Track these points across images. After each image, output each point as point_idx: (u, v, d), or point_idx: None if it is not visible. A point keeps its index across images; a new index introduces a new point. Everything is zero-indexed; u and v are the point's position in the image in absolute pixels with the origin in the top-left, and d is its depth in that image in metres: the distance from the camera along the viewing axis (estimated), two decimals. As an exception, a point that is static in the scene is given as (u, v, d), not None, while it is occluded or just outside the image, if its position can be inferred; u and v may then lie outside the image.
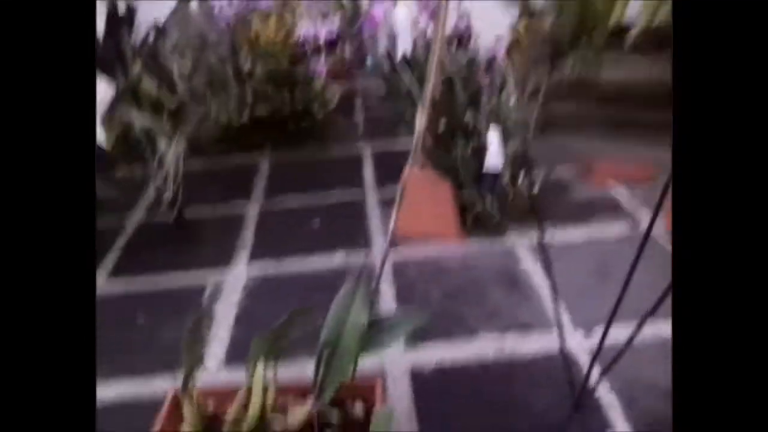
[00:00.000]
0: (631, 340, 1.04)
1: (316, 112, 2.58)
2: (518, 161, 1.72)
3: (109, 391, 1.35)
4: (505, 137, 1.66)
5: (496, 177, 1.68)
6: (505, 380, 1.32)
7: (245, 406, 1.09)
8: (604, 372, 1.21)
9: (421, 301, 1.58)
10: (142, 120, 1.83)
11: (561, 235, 1.80)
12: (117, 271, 1.84)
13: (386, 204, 2.06)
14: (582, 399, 1.22)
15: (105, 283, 1.78)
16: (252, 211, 2.14)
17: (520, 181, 1.75)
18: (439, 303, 1.57)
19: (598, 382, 1.24)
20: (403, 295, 1.61)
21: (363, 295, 0.93)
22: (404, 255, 1.78)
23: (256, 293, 1.68)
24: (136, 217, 2.14)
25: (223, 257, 1.86)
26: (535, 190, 1.76)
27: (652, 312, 0.96)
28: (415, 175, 1.79)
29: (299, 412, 1.06)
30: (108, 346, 1.46)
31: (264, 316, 1.51)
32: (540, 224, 1.77)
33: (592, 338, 1.40)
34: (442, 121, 1.72)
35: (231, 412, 1.10)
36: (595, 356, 1.15)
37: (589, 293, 1.54)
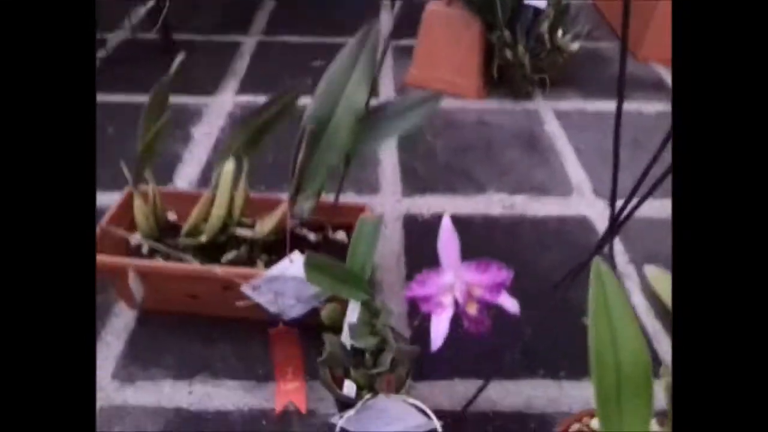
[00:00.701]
0: (635, 208, 0.86)
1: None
2: (560, 8, 1.46)
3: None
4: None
5: (537, 14, 1.43)
6: (510, 236, 1.16)
7: (208, 211, 0.93)
8: (610, 236, 1.05)
9: (425, 153, 1.39)
10: None
11: (595, 105, 1.59)
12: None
13: (401, 51, 1.81)
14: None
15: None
16: (249, 42, 1.90)
17: (560, 34, 1.50)
18: (444, 156, 1.38)
19: (611, 247, 1.08)
20: (402, 145, 1.41)
21: (365, 67, 0.73)
22: (414, 104, 1.57)
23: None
24: (120, 34, 1.90)
25: (210, 84, 1.65)
26: (576, 46, 1.52)
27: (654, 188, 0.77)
28: (439, 12, 1.54)
29: (269, 219, 0.90)
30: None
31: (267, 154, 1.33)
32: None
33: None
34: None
35: (191, 216, 0.94)
36: (614, 223, 0.97)
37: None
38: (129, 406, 0.85)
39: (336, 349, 0.65)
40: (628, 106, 1.57)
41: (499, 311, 0.52)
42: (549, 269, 1.09)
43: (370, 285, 0.73)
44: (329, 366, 0.72)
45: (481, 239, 1.14)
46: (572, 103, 1.58)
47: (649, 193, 0.66)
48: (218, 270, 0.85)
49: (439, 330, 0.48)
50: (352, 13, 2.12)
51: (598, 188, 1.29)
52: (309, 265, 0.70)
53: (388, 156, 1.37)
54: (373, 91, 0.76)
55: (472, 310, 0.49)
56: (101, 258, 0.87)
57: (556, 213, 1.22)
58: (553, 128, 1.48)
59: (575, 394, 0.88)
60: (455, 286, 0.48)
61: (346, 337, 0.73)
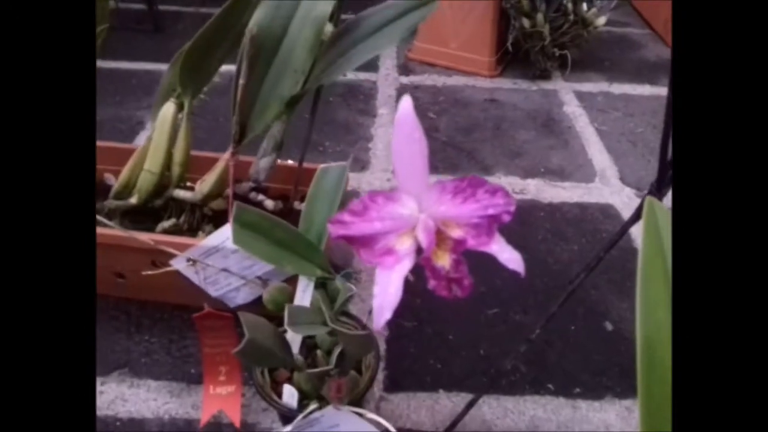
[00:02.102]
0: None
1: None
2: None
3: None
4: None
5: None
6: (520, 224, 0.96)
7: (141, 165, 0.75)
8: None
9: (425, 131, 1.20)
10: None
11: (621, 88, 1.39)
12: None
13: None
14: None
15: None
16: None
17: (584, 7, 1.31)
18: (446, 134, 1.20)
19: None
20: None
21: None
22: (414, 80, 1.39)
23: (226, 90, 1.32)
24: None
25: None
26: (602, 21, 1.33)
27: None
28: (449, -23, 1.36)
29: (210, 176, 0.71)
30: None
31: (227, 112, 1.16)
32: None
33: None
34: None
35: (123, 172, 0.76)
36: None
37: (647, 151, 1.15)
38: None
39: (261, 337, 0.45)
40: (659, 90, 1.38)
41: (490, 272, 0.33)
42: (566, 263, 0.89)
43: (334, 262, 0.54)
44: (256, 363, 0.53)
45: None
46: (596, 86, 1.39)
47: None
48: (142, 237, 0.66)
49: (387, 295, 0.29)
50: None
51: (626, 174, 1.09)
52: (239, 223, 0.51)
53: (381, 131, 1.18)
54: (342, 2, 0.57)
55: (444, 261, 0.29)
56: None
57: (576, 199, 1.02)
58: (573, 109, 1.29)
59: (594, 418, 0.68)
60: (418, 219, 0.29)
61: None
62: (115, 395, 0.68)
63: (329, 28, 0.60)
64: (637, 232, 0.96)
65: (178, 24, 1.65)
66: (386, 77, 1.39)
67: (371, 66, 1.43)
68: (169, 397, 0.68)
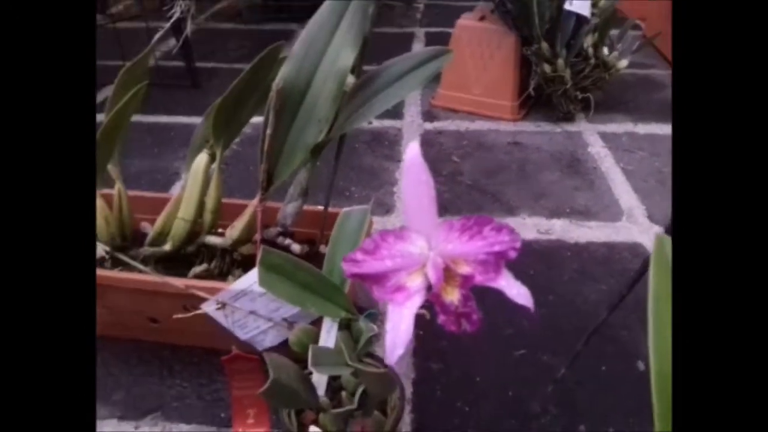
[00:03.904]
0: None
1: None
2: (606, 16, 1.30)
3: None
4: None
5: (579, 24, 1.27)
6: (546, 264, 0.96)
7: (176, 213, 0.78)
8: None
9: (450, 174, 1.22)
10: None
11: (646, 128, 1.39)
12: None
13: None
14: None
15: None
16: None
17: (605, 51, 1.34)
18: (471, 178, 1.21)
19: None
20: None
21: (354, 23, 0.58)
22: (438, 126, 1.42)
23: (256, 140, 1.37)
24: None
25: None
26: (624, 64, 1.35)
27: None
28: (470, 27, 1.41)
29: (239, 222, 0.74)
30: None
31: (257, 161, 1.21)
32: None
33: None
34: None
35: (158, 220, 0.80)
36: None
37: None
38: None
39: (286, 377, 0.47)
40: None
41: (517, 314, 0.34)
42: (595, 303, 0.88)
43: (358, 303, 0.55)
44: (281, 404, 0.54)
45: (510, 265, 0.95)
46: (620, 126, 1.40)
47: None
48: (174, 281, 0.69)
49: (399, 331, 0.30)
50: (386, 44, 2.03)
51: (654, 213, 1.08)
52: (264, 266, 0.53)
53: (406, 176, 1.21)
54: (364, 52, 0.61)
55: (453, 296, 0.30)
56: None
57: (604, 239, 1.01)
58: (597, 150, 1.29)
59: (630, 464, 0.66)
60: (428, 257, 0.30)
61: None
62: (147, 439, 0.69)
63: (351, 79, 0.63)
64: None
65: (213, 79, 1.74)
66: (411, 124, 1.43)
67: (396, 113, 1.48)
68: (199, 440, 0.69)
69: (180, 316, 0.65)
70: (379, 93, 0.61)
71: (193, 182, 0.76)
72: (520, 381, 0.76)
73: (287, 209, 0.75)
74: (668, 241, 0.32)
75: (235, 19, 2.29)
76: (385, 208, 1.11)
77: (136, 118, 1.49)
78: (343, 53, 0.58)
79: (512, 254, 0.30)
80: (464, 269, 0.30)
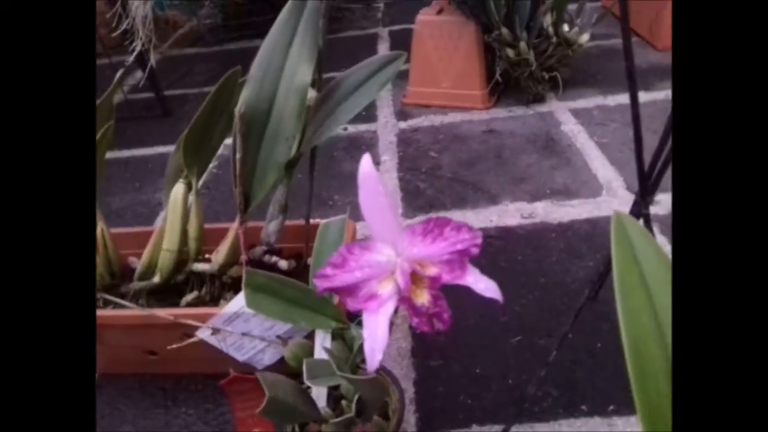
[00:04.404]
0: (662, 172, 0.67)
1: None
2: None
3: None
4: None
5: (535, 5, 1.28)
6: (533, 247, 0.97)
7: (160, 246, 0.78)
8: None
9: (430, 170, 1.23)
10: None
11: (616, 99, 1.41)
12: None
13: (398, 74, 1.69)
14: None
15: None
16: (243, 87, 1.83)
17: (566, 28, 1.35)
18: (450, 170, 1.22)
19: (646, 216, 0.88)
20: (406, 165, 1.26)
21: (307, 37, 0.59)
22: (412, 124, 1.43)
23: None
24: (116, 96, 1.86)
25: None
26: (585, 38, 1.36)
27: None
28: (430, 22, 1.42)
29: (223, 246, 0.75)
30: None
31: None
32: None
33: (657, 205, 1.03)
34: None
35: (144, 254, 0.80)
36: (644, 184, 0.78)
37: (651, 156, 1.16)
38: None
39: (283, 394, 0.47)
40: (655, 95, 1.39)
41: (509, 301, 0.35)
42: (583, 281, 0.89)
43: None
44: (282, 419, 0.54)
45: (498, 252, 0.96)
46: (591, 101, 1.41)
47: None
48: (160, 313, 0.69)
49: (376, 337, 0.31)
50: (352, 47, 2.03)
51: (632, 183, 1.09)
52: (250, 287, 0.54)
53: (386, 177, 1.22)
54: (321, 65, 0.62)
55: (423, 298, 0.31)
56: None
57: (586, 216, 1.03)
58: (571, 127, 1.31)
59: (634, 433, 0.67)
60: (396, 264, 0.31)
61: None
62: (159, 471, 0.70)
63: (312, 93, 0.64)
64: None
65: (185, 106, 1.74)
66: (385, 125, 1.44)
67: (370, 117, 1.48)
68: (210, 466, 0.69)
69: (174, 346, 0.65)
70: (342, 103, 0.62)
71: (173, 213, 0.76)
72: (519, 367, 0.77)
73: (269, 227, 0.76)
74: (627, 216, 0.33)
75: (198, 43, 2.28)
76: (369, 212, 1.12)
77: (111, 154, 1.49)
78: (300, 70, 0.59)
79: (474, 251, 0.31)
80: (431, 271, 0.31)
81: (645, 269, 0.31)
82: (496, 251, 0.97)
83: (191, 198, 0.77)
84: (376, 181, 0.31)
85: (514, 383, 0.74)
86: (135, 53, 1.44)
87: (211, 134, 0.69)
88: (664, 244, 0.94)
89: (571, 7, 1.39)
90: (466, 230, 0.31)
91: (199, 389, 0.79)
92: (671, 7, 1.55)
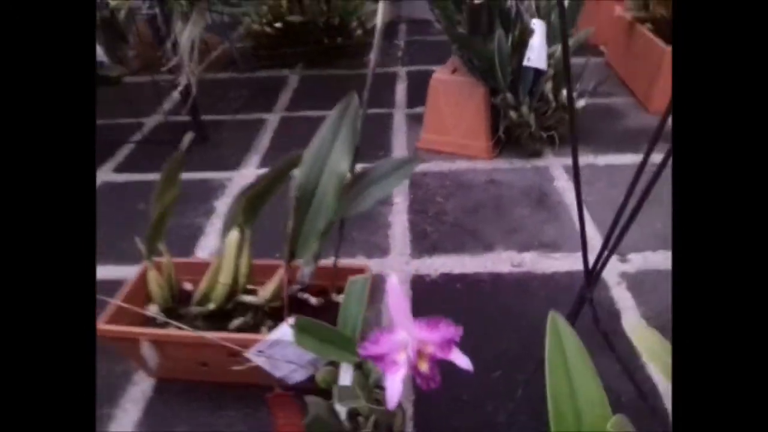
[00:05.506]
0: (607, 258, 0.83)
1: (354, 28, 2.41)
2: (561, 66, 1.49)
3: (105, 273, 1.27)
4: (550, 36, 1.45)
5: (538, 75, 1.47)
6: (518, 294, 1.16)
7: (216, 279, 0.98)
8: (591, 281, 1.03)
9: (435, 215, 1.42)
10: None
11: (606, 159, 1.60)
12: (127, 165, 1.76)
13: (414, 118, 1.89)
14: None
15: (111, 176, 1.71)
16: (272, 119, 2.02)
17: (564, 92, 1.54)
18: (454, 216, 1.41)
19: (591, 300, 1.06)
20: (415, 208, 1.45)
21: (347, 136, 0.78)
22: (423, 168, 1.62)
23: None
24: (156, 118, 2.06)
25: (234, 159, 1.75)
26: (582, 103, 1.55)
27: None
28: (444, 80, 1.62)
29: (269, 285, 0.94)
30: (108, 230, 1.38)
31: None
32: (575, 140, 1.56)
33: (627, 263, 1.22)
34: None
35: (201, 284, 0.99)
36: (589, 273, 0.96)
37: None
38: (137, 474, 0.87)
39: (322, 412, 0.66)
40: (638, 158, 1.57)
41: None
42: (557, 326, 1.07)
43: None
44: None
45: (488, 297, 1.15)
46: (582, 159, 1.60)
47: (617, 243, 0.67)
48: (218, 337, 0.88)
49: (394, 388, 0.50)
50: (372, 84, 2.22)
51: (609, 241, 1.27)
52: (297, 328, 0.72)
53: (398, 219, 1.41)
54: (356, 157, 0.81)
55: (424, 367, 0.50)
56: (116, 328, 0.92)
57: (566, 269, 1.21)
58: (562, 183, 1.49)
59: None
60: (408, 343, 0.50)
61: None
62: (208, 461, 0.88)
63: (347, 175, 0.83)
64: (617, 293, 1.14)
65: (221, 132, 1.94)
66: (400, 168, 1.63)
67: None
68: (249, 459, 0.88)
69: (235, 368, 0.84)
70: (370, 187, 0.81)
71: (228, 253, 0.95)
72: (494, 398, 0.95)
73: (305, 271, 0.95)
74: (559, 316, 0.52)
75: (230, 67, 2.48)
76: (382, 250, 1.31)
77: (151, 176, 1.67)
78: (341, 161, 0.78)
79: (457, 338, 0.50)
80: (430, 349, 0.50)
81: (568, 355, 0.50)
82: (486, 295, 1.15)
83: (243, 242, 0.96)
84: (399, 293, 0.50)
85: (491, 410, 0.93)
86: (180, 88, 1.64)
87: (266, 199, 0.88)
88: (628, 299, 1.12)
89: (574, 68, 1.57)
90: (453, 328, 0.49)
91: (241, 395, 0.98)
92: (664, 75, 1.74)
